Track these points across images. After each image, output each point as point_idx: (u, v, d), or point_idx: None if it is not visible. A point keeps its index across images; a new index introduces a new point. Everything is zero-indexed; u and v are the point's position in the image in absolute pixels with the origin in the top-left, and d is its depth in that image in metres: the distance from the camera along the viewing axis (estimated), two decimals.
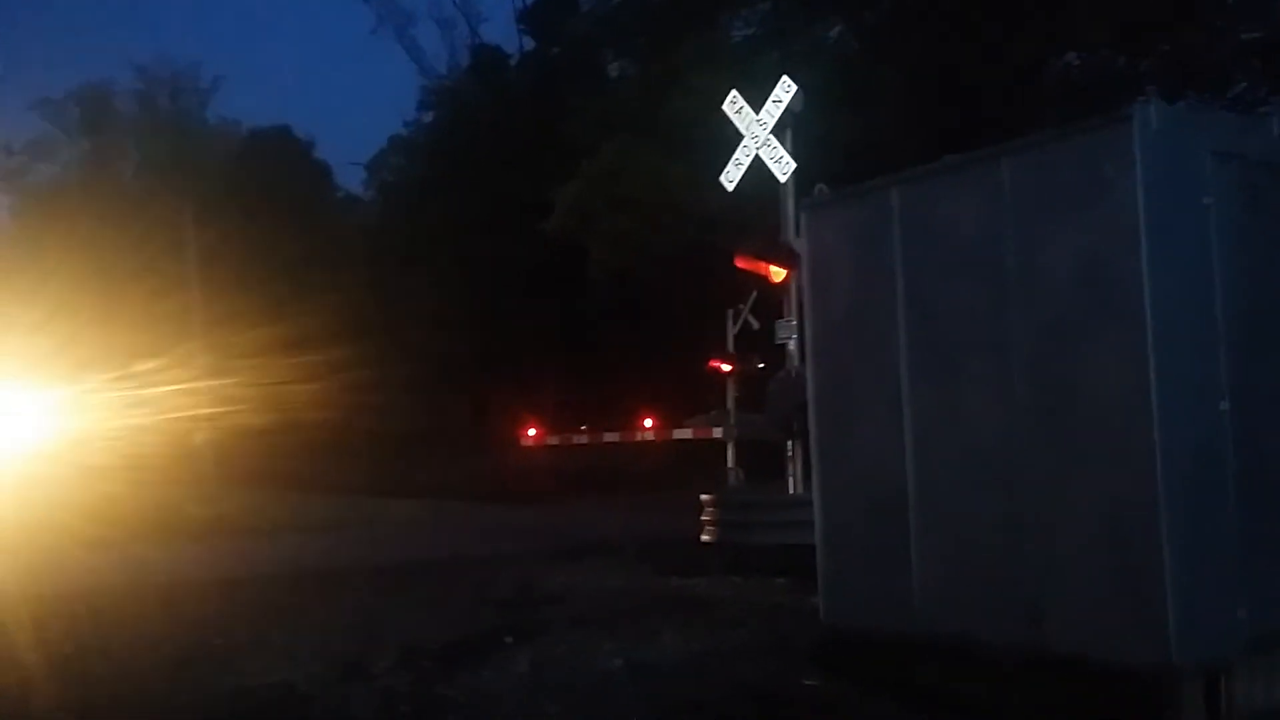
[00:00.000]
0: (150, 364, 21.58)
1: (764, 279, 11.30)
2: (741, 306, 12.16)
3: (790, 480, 10.79)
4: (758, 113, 11.39)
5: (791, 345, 10.85)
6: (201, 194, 30.90)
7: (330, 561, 11.98)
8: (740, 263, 11.32)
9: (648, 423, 15.46)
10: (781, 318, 11.13)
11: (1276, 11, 21.02)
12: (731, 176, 11.68)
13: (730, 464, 12.41)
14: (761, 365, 12.08)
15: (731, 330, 12.27)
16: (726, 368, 12.35)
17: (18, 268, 30.53)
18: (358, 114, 72.13)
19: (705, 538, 10.84)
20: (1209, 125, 5.28)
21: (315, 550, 13.51)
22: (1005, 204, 5.17)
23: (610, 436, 16.12)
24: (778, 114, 11.24)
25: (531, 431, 17.41)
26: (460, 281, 28.64)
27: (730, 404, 12.52)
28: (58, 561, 11.62)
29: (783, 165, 11.17)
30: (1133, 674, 4.62)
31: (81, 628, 8.03)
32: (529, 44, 35.06)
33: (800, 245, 6.64)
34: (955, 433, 5.37)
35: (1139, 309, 4.60)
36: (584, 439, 16.51)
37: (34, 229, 36.53)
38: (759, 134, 11.35)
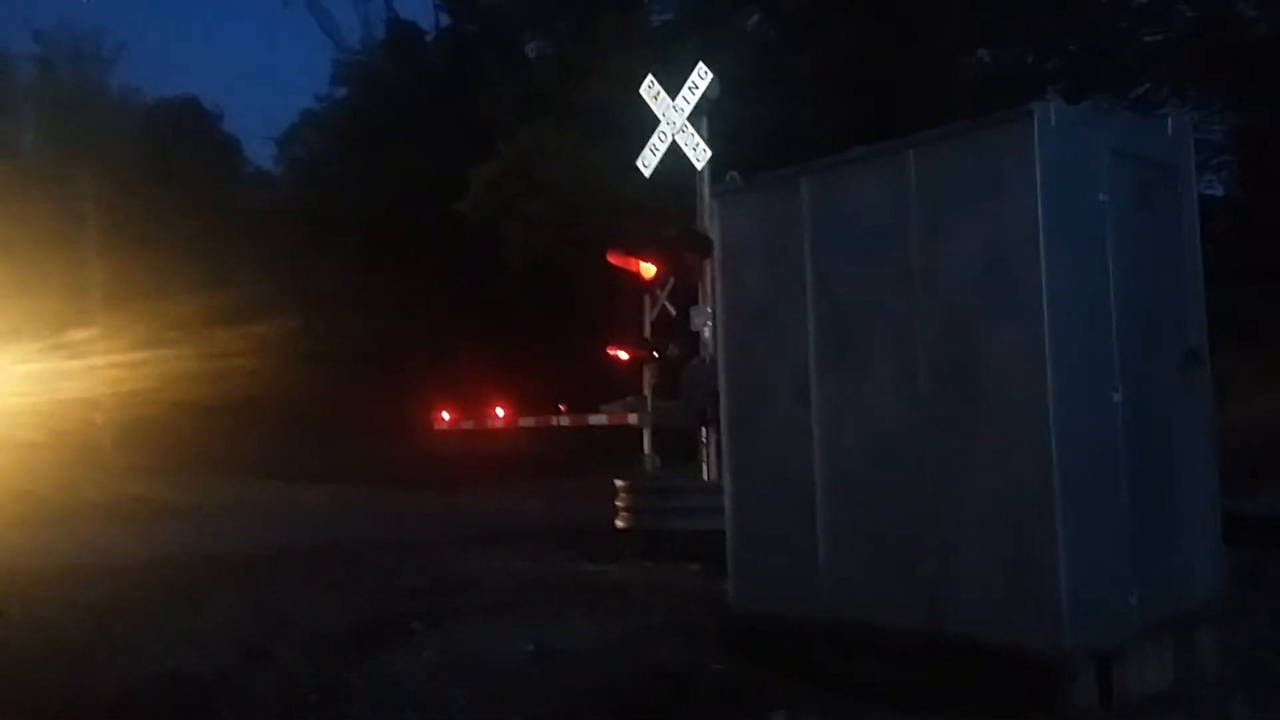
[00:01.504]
0: (50, 341, 20.85)
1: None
2: (659, 292, 12.19)
3: (704, 467, 10.88)
4: (675, 99, 11.42)
5: (706, 332, 10.93)
6: (104, 165, 29.84)
7: (235, 546, 11.71)
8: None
9: (563, 408, 15.41)
10: (697, 304, 11.20)
11: (1177, 16, 21.79)
12: (648, 162, 11.71)
13: (646, 450, 12.45)
14: (676, 352, 12.13)
15: (649, 316, 12.29)
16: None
17: None
18: (269, 87, 70.36)
19: (619, 524, 10.87)
20: (1107, 124, 5.42)
21: (219, 533, 13.22)
22: (910, 195, 5.25)
23: (525, 421, 16.02)
24: (694, 100, 11.28)
25: (445, 415, 17.21)
26: (374, 261, 28.21)
27: (646, 390, 12.56)
28: None
29: (699, 152, 11.22)
30: (1028, 658, 4.75)
31: None
32: (445, 20, 34.63)
33: (713, 232, 6.69)
34: (860, 421, 5.47)
35: (1036, 301, 4.73)
36: (499, 424, 16.39)
37: None
38: (676, 120, 11.38)
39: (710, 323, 10.87)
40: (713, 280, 10.04)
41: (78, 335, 21.95)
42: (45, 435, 18.94)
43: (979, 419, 4.97)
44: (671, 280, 11.98)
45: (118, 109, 39.00)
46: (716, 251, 6.41)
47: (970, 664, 4.93)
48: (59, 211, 27.84)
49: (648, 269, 11.03)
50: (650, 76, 11.63)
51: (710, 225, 9.01)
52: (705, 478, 10.79)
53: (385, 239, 28.16)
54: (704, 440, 10.93)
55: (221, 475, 20.97)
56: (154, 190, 29.51)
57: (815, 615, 5.62)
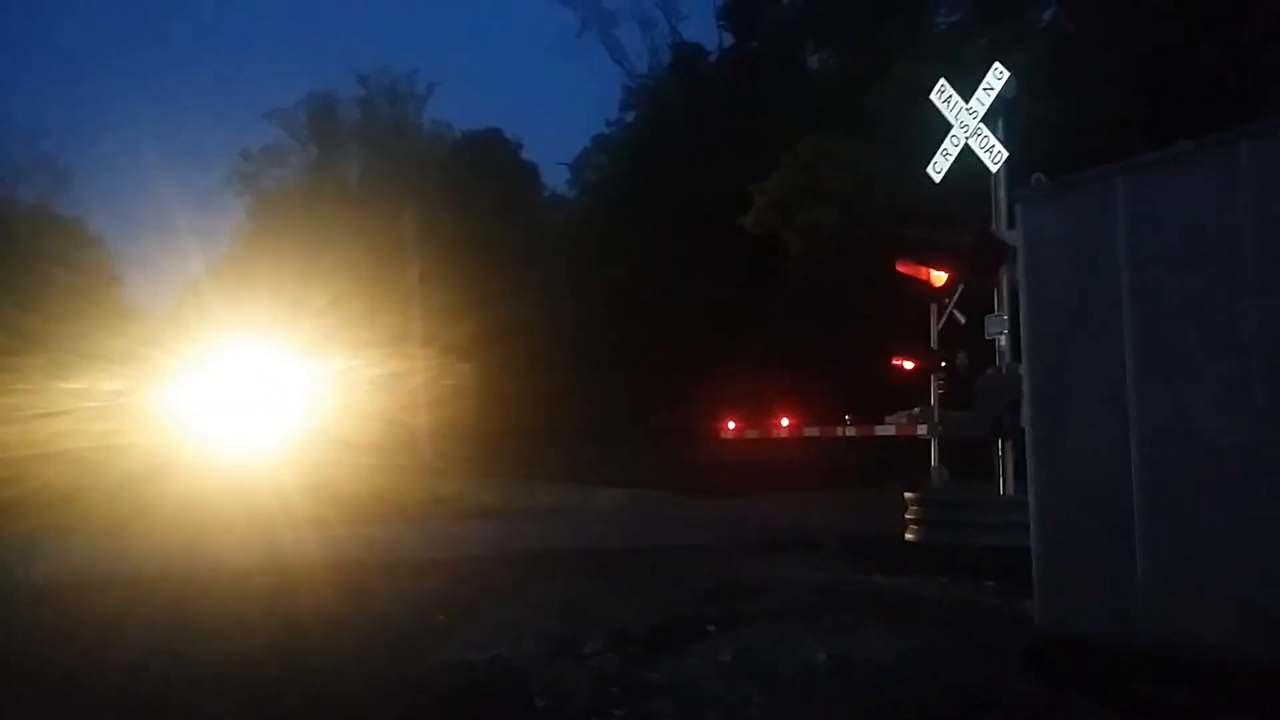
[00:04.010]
0: (374, 356, 23.01)
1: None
2: (947, 300, 11.85)
3: (1000, 481, 10.46)
4: (966, 101, 11.08)
5: (1002, 341, 10.53)
6: (419, 194, 32.59)
7: (539, 545, 12.45)
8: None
9: (849, 418, 15.30)
10: (992, 312, 10.80)
11: None
12: (939, 167, 11.42)
13: (934, 462, 12.11)
14: (964, 361, 11.74)
15: (935, 325, 11.97)
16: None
17: (253, 265, 33.15)
18: (563, 115, 74.22)
19: (909, 536, 10.64)
20: None
21: (524, 534, 14.06)
22: (1243, 191, 4.87)
23: (810, 431, 16.05)
24: (988, 101, 10.90)
25: (731, 424, 17.51)
26: (660, 276, 29.10)
27: (934, 401, 12.23)
28: (284, 540, 12.49)
29: (994, 154, 10.83)
30: None
31: (309, 605, 8.64)
32: (728, 40, 35.26)
33: (1014, 237, 6.46)
34: (1186, 433, 5.10)
35: None
36: (784, 433, 16.46)
37: (267, 229, 39.49)
38: (969, 123, 11.03)
39: (1006, 331, 10.45)
40: (1011, 287, 9.68)
41: (400, 348, 24.11)
42: (375, 437, 20.92)
43: None
44: (961, 287, 11.61)
45: (430, 142, 42.49)
46: (1020, 256, 6.17)
47: None
48: (382, 236, 30.67)
49: (938, 277, 10.72)
50: (942, 80, 11.33)
51: (1010, 230, 8.69)
52: (1001, 492, 10.37)
53: (671, 254, 28.99)
54: (1000, 453, 10.50)
55: (521, 478, 22.25)
56: (462, 214, 31.90)
57: (1131, 641, 5.30)
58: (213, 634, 7.43)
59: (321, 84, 47.40)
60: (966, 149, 11.06)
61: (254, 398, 22.69)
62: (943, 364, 11.75)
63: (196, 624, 7.79)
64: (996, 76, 10.85)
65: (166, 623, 7.80)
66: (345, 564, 10.65)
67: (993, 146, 10.81)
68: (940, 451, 12.12)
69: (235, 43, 78.92)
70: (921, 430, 12.58)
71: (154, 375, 24.64)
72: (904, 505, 10.84)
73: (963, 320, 11.68)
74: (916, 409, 13.19)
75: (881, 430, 14.05)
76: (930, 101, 11.45)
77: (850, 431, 15.00)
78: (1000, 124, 10.89)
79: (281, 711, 5.79)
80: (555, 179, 44.09)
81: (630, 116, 37.38)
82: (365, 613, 8.26)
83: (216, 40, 79.97)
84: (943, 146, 11.27)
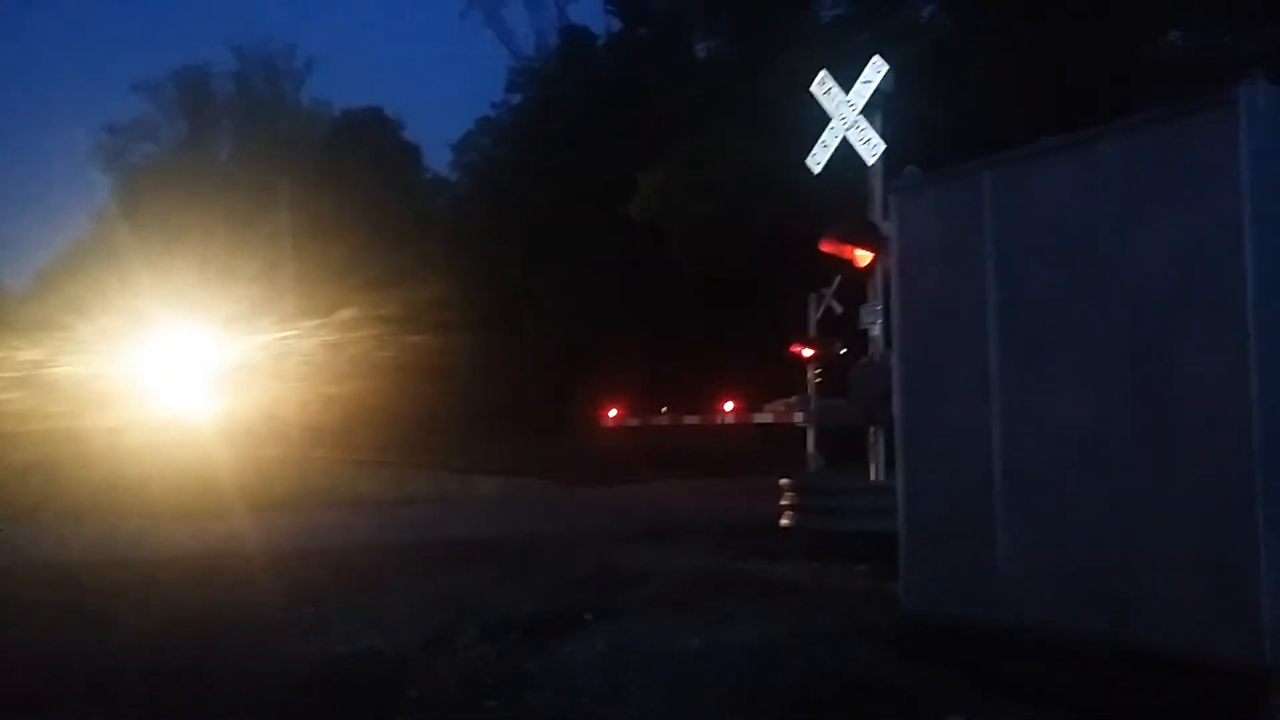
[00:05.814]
0: (246, 342, 22.26)
1: (849, 263, 11.17)
2: (825, 291, 12.06)
3: (872, 467, 10.70)
4: (847, 94, 11.25)
5: (876, 330, 10.75)
6: (295, 173, 31.66)
7: (417, 535, 12.22)
8: (825, 247, 11.19)
9: (728, 406, 15.47)
10: (866, 302, 11.02)
11: None
12: (818, 159, 11.55)
13: (811, 449, 12.33)
14: (844, 350, 11.98)
15: (814, 315, 12.18)
16: (808, 352, 12.25)
17: (120, 244, 31.73)
18: (447, 96, 72.93)
19: (784, 522, 10.80)
20: None
21: (402, 524, 13.79)
22: (1102, 187, 5.06)
23: (691, 419, 16.18)
24: (867, 95, 11.07)
25: (612, 413, 17.52)
26: (544, 263, 28.91)
27: (811, 389, 12.45)
28: (152, 531, 12.03)
29: (871, 147, 11.01)
30: (1224, 671, 4.51)
31: (175, 597, 8.31)
32: (616, 25, 35.16)
33: (889, 228, 6.59)
34: (1045, 419, 5.29)
35: (1240, 298, 4.48)
36: (664, 421, 16.56)
37: (133, 208, 37.82)
38: (848, 115, 11.20)
39: (880, 320, 10.67)
40: (885, 277, 9.88)
41: (273, 334, 23.38)
42: (245, 426, 20.25)
43: (1175, 419, 4.73)
44: (838, 278, 11.82)
45: (308, 119, 41.34)
46: (893, 248, 6.31)
47: (1160, 675, 4.71)
48: (256, 216, 29.70)
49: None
50: (823, 72, 11.47)
51: (885, 221, 8.86)
52: (872, 478, 10.61)
53: (556, 241, 28.82)
54: (872, 440, 10.74)
55: (400, 466, 21.86)
56: (340, 195, 31.09)
57: (993, 619, 5.47)
58: (70, 629, 7.08)
59: (194, 56, 45.74)
60: (845, 141, 11.23)
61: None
62: (842, 351, 11.97)
63: (55, 618, 7.42)
64: (875, 70, 11.03)
65: (42, 617, 7.42)
66: (210, 555, 10.24)
67: (870, 139, 10.99)
68: (817, 439, 12.35)
69: (103, 11, 75.25)
70: (798, 418, 12.79)
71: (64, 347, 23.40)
72: (780, 492, 11.00)
73: (839, 310, 11.91)
74: (794, 397, 13.41)
75: (760, 418, 14.25)
76: (813, 93, 11.59)
77: (730, 419, 15.18)
78: (878, 117, 11.08)
79: (135, 711, 5.54)
80: (438, 161, 43.29)
81: (516, 99, 37.01)
82: (231, 606, 7.96)
83: (83, 7, 76.29)
84: (822, 138, 11.41)
